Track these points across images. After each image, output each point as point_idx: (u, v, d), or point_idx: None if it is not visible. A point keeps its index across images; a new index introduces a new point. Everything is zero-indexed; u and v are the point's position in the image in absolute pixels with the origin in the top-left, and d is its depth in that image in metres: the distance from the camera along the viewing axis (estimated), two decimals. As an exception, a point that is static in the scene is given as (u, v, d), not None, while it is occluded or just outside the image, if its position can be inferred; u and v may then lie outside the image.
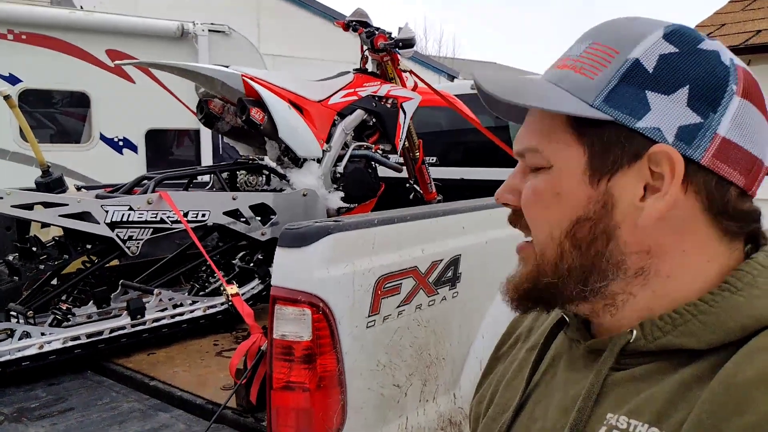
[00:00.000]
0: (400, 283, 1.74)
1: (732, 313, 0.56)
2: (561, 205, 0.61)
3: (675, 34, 0.59)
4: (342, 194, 2.98)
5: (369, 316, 1.66)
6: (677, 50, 0.58)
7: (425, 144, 3.59)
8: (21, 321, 2.30)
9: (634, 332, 0.60)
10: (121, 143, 5.14)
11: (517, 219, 0.67)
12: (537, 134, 0.63)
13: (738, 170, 0.58)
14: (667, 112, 0.57)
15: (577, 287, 0.61)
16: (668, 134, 0.57)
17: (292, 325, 1.55)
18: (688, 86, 0.57)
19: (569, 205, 0.61)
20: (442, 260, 1.89)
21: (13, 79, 4.63)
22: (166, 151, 5.74)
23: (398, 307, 1.75)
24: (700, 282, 0.59)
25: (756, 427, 0.48)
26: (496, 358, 0.84)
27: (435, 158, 4.11)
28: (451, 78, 13.09)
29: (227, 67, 2.81)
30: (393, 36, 3.24)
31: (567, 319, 0.70)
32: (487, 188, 3.19)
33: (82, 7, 5.23)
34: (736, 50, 3.11)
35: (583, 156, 0.60)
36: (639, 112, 0.57)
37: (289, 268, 1.58)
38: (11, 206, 2.26)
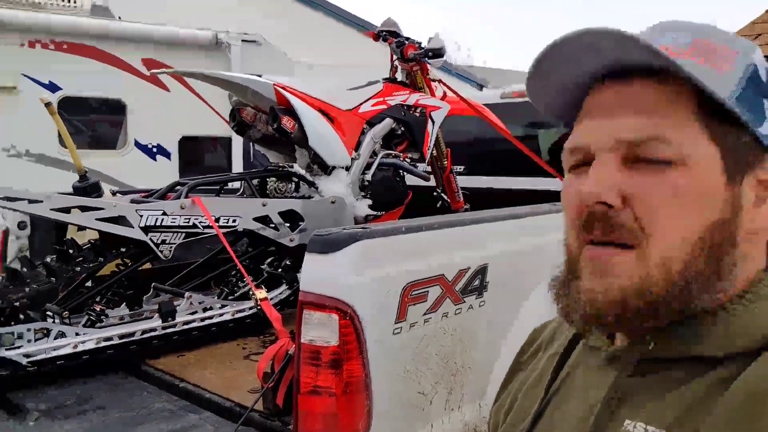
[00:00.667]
0: (427, 291, 1.75)
1: (755, 321, 0.56)
2: (702, 206, 0.56)
3: (763, 56, 0.61)
4: (370, 202, 3.00)
5: (396, 322, 1.67)
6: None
7: (453, 153, 3.60)
8: (57, 321, 2.36)
9: (652, 340, 0.59)
10: (155, 150, 5.26)
11: (611, 228, 0.57)
12: (661, 123, 0.56)
13: None
14: None
15: (697, 297, 0.56)
16: None
17: (320, 330, 1.57)
18: None
19: (710, 207, 0.56)
20: (469, 268, 1.89)
21: (53, 87, 4.78)
22: (199, 158, 5.85)
23: (425, 314, 1.75)
24: (732, 290, 0.59)
25: None
26: (516, 367, 0.84)
27: (463, 167, 4.11)
28: (480, 87, 13.07)
29: (260, 76, 2.87)
30: (423, 46, 3.26)
31: (569, 324, 0.68)
32: (515, 197, 3.20)
33: (120, 18, 5.38)
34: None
35: (718, 154, 0.56)
36: (759, 118, 0.57)
37: (317, 273, 1.60)
38: (50, 209, 2.33)
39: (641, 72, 0.58)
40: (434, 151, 3.42)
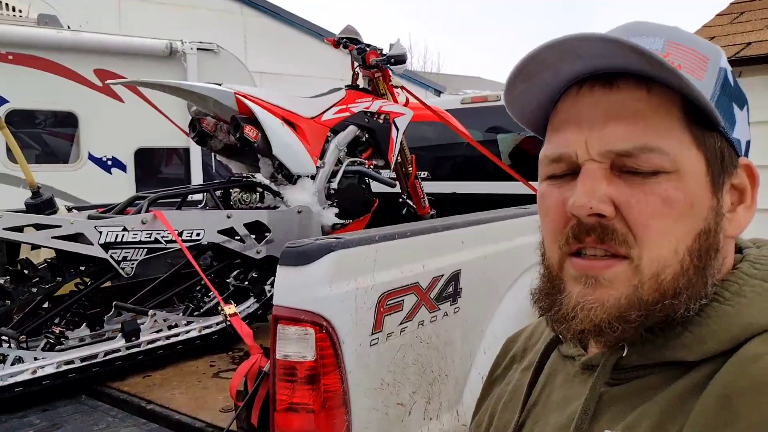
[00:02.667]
0: (402, 300, 1.73)
1: (721, 323, 0.56)
2: (692, 215, 0.56)
3: None
4: (336, 210, 2.97)
5: (372, 333, 1.64)
6: (731, 70, 0.61)
7: (418, 159, 3.60)
8: (13, 346, 2.25)
9: (627, 347, 0.60)
10: (109, 162, 5.10)
11: (605, 236, 0.56)
12: (653, 131, 0.55)
13: None
14: (743, 126, 0.60)
15: (686, 305, 0.56)
16: (743, 148, 0.60)
17: (296, 345, 1.53)
18: (746, 105, 0.61)
19: (699, 216, 0.56)
20: (442, 275, 1.88)
21: (0, 100, 4.59)
22: (156, 170, 5.70)
23: (401, 324, 1.73)
24: None
25: None
26: (491, 381, 0.83)
27: (427, 173, 4.11)
28: (438, 93, 13.18)
29: (220, 85, 2.81)
30: (384, 53, 3.26)
31: (561, 337, 0.68)
32: (479, 202, 3.22)
33: (69, 27, 5.21)
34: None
35: (702, 162, 0.56)
36: (732, 122, 0.59)
37: (291, 286, 1.57)
38: (3, 228, 2.22)
39: (624, 77, 0.57)
40: (399, 158, 3.41)
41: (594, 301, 0.57)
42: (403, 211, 3.64)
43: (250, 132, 2.72)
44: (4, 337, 2.29)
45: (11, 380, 2.18)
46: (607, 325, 0.56)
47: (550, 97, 0.62)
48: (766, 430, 0.49)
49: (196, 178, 5.44)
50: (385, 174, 3.45)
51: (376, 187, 3.36)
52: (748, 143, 0.61)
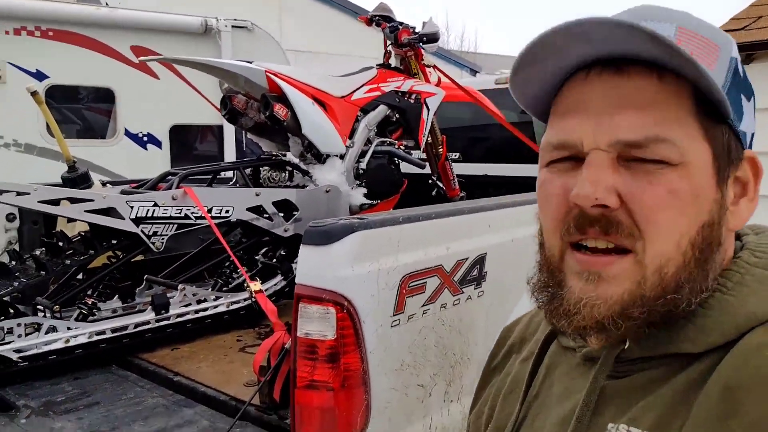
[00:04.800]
0: (425, 282, 1.72)
1: (725, 313, 0.55)
2: (696, 208, 0.54)
3: None
4: (365, 190, 2.96)
5: (393, 315, 1.64)
6: (740, 58, 0.60)
7: (449, 140, 3.55)
8: (48, 315, 2.32)
9: (628, 340, 0.59)
10: (145, 139, 5.18)
11: (609, 227, 0.55)
12: (664, 122, 0.53)
13: None
14: (749, 119, 0.58)
15: (688, 299, 0.55)
16: (748, 140, 0.59)
17: (317, 324, 1.54)
18: (753, 96, 0.59)
19: (703, 208, 0.55)
20: (467, 259, 1.86)
21: (40, 75, 4.69)
22: (190, 147, 5.77)
23: (423, 306, 1.72)
24: None
25: (752, 429, 0.48)
26: (490, 371, 0.82)
27: (458, 154, 4.07)
28: (474, 73, 12.99)
29: (251, 62, 2.81)
30: (417, 31, 3.21)
31: (561, 331, 0.67)
32: (511, 184, 3.17)
33: (107, 4, 5.28)
34: (772, 44, 3.03)
35: (709, 154, 0.55)
36: (739, 114, 0.57)
37: (313, 265, 1.57)
38: (38, 201, 2.28)
39: (635, 64, 0.54)
40: (429, 138, 3.37)
41: (597, 298, 0.55)
42: (433, 193, 3.61)
43: (279, 110, 2.72)
44: (39, 307, 2.36)
45: (45, 348, 2.25)
46: (610, 321, 0.55)
47: (554, 82, 0.59)
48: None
49: (230, 155, 5.49)
50: (415, 155, 3.42)
51: (405, 167, 3.34)
52: (752, 136, 0.60)
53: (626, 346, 0.59)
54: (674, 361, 0.56)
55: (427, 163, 3.51)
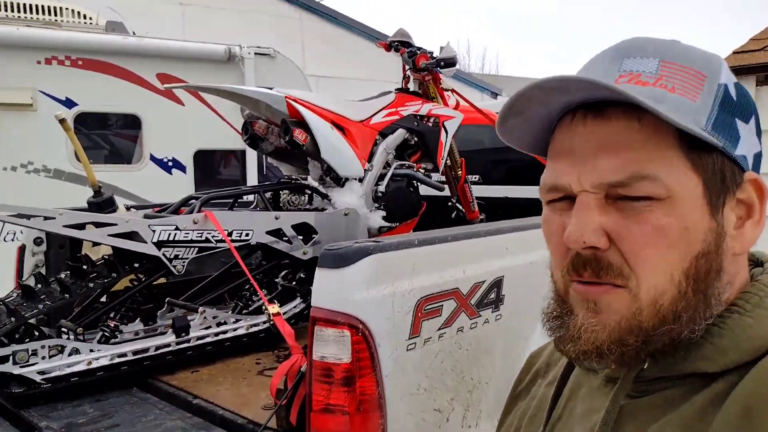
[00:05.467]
0: (441, 305, 1.72)
1: (742, 334, 0.56)
2: (687, 240, 0.56)
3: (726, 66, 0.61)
4: (383, 213, 2.97)
5: (409, 338, 1.63)
6: (736, 81, 0.60)
7: (468, 163, 3.56)
8: (71, 337, 2.36)
9: (648, 360, 0.60)
10: (170, 163, 5.29)
11: (600, 270, 0.57)
12: (645, 160, 0.55)
13: None
14: (748, 140, 0.59)
15: (688, 327, 0.56)
16: (750, 162, 0.59)
17: (332, 347, 1.54)
18: (754, 116, 0.60)
19: (694, 239, 0.56)
20: (484, 281, 1.86)
21: (69, 103, 4.84)
22: (214, 171, 5.87)
23: (439, 329, 1.72)
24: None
25: None
26: (515, 396, 0.84)
27: (478, 177, 4.07)
28: (495, 95, 13.02)
29: (271, 89, 2.86)
30: (435, 55, 3.24)
31: (566, 357, 0.68)
32: (531, 207, 3.15)
33: (134, 33, 5.44)
34: (793, 64, 3.01)
35: (700, 185, 0.56)
36: (734, 139, 0.58)
37: (329, 288, 1.58)
38: (64, 226, 2.33)
39: (616, 105, 0.56)
40: (448, 161, 3.39)
41: (596, 324, 0.58)
42: (452, 215, 3.61)
43: (299, 135, 2.76)
44: (63, 329, 2.40)
45: (68, 370, 2.28)
46: (607, 347, 0.57)
47: (545, 126, 0.62)
48: None
49: (252, 179, 5.57)
50: (435, 177, 3.43)
51: (424, 190, 3.35)
52: (757, 156, 0.60)
53: (645, 366, 0.60)
54: (693, 380, 0.57)
55: (447, 186, 3.52)
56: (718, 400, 0.54)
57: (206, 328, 2.62)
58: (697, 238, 0.56)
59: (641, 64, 0.58)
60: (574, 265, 0.59)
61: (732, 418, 0.51)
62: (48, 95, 4.75)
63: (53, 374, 2.26)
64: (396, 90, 3.30)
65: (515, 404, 0.83)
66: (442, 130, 3.23)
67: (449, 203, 3.60)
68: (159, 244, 2.41)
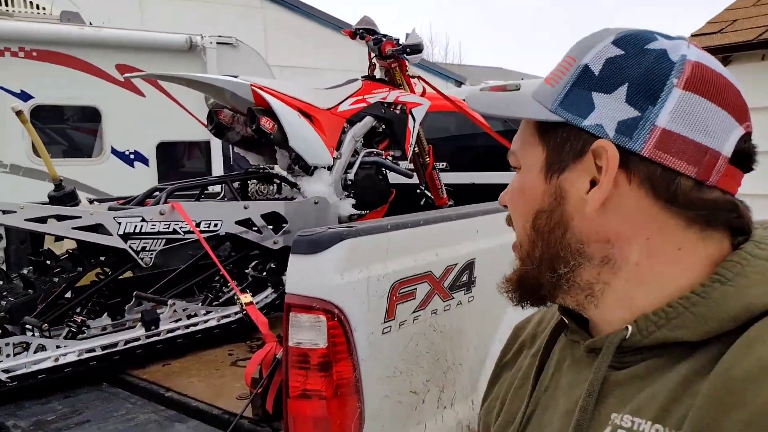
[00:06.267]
0: (415, 288, 1.73)
1: (723, 303, 0.57)
2: (526, 200, 0.68)
3: (624, 39, 0.63)
4: (353, 201, 2.97)
5: (385, 321, 1.64)
6: (622, 52, 0.62)
7: (435, 149, 3.58)
8: (36, 334, 2.30)
9: (630, 328, 0.61)
10: (132, 156, 5.17)
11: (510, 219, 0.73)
12: (517, 140, 0.71)
13: (684, 159, 0.58)
14: (608, 109, 0.61)
15: (548, 274, 0.65)
16: (609, 130, 0.60)
17: (308, 333, 1.54)
18: (626, 84, 0.61)
19: (531, 199, 0.67)
20: (456, 264, 1.88)
21: (24, 96, 4.68)
22: (177, 163, 5.77)
23: (414, 312, 1.73)
24: (690, 275, 0.60)
25: (755, 420, 0.49)
26: (501, 367, 0.85)
27: (445, 163, 4.09)
28: (459, 84, 13.10)
29: (236, 77, 2.82)
30: (400, 42, 3.24)
31: (566, 321, 0.72)
32: (498, 192, 3.18)
33: (91, 23, 5.29)
34: (749, 45, 3.10)
35: (542, 155, 0.66)
36: (585, 111, 0.62)
37: (303, 275, 1.57)
38: (25, 220, 2.27)
39: None
40: (416, 148, 3.40)
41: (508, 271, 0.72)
42: (421, 202, 3.63)
43: (266, 123, 2.73)
44: (27, 326, 2.34)
45: (35, 367, 2.23)
46: (508, 289, 0.70)
47: None
48: None
49: (217, 170, 5.48)
50: (403, 165, 3.44)
51: (393, 177, 3.36)
52: (629, 121, 0.60)
53: (627, 335, 0.61)
54: (675, 350, 0.58)
55: (415, 173, 3.53)
56: (702, 370, 0.55)
57: (176, 321, 2.59)
58: (534, 198, 0.66)
59: (559, 63, 0.68)
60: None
61: (716, 390, 0.52)
62: (2, 88, 4.58)
63: (19, 372, 2.20)
64: (362, 77, 3.29)
65: (501, 375, 0.84)
66: (410, 117, 3.23)
67: (418, 190, 3.62)
68: (125, 237, 2.36)
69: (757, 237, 0.61)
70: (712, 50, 2.73)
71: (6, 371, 2.18)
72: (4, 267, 2.83)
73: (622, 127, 0.60)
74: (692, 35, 3.16)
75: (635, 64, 0.61)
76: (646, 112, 0.59)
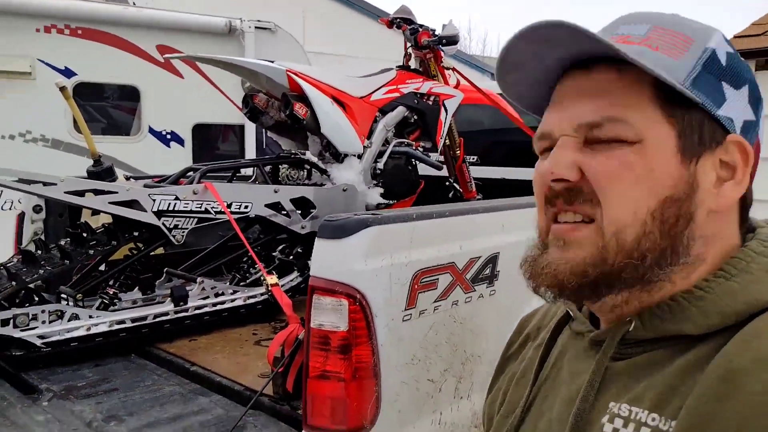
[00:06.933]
0: (437, 279, 1.75)
1: (726, 298, 0.58)
2: (653, 181, 0.59)
3: (726, 39, 0.63)
4: (381, 190, 2.99)
5: (405, 309, 1.67)
6: (733, 52, 0.62)
7: (466, 142, 3.58)
8: (70, 303, 2.39)
9: (633, 321, 0.62)
10: (168, 136, 5.28)
11: (572, 198, 0.61)
12: (619, 105, 0.60)
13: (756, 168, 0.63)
14: (737, 105, 0.61)
15: (653, 269, 0.59)
16: (737, 126, 0.61)
17: (329, 315, 1.58)
18: (747, 85, 0.62)
19: (661, 183, 0.59)
20: (480, 257, 1.89)
21: (68, 72, 4.81)
22: (212, 145, 5.86)
23: (435, 302, 1.75)
24: (707, 268, 0.61)
25: (749, 411, 0.50)
26: (506, 358, 0.86)
27: (476, 157, 4.08)
28: (494, 77, 12.97)
29: (272, 62, 2.86)
30: (437, 33, 3.24)
31: (572, 313, 0.72)
32: (528, 188, 3.16)
33: (134, 3, 5.40)
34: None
35: (674, 135, 0.59)
36: (718, 100, 0.60)
37: (327, 259, 1.61)
38: (64, 192, 2.35)
39: (602, 62, 0.61)
40: (447, 141, 3.40)
41: (561, 259, 0.61)
42: (450, 195, 3.63)
43: (299, 109, 2.77)
44: (62, 295, 2.43)
45: (68, 335, 2.32)
46: (567, 279, 0.60)
47: (543, 85, 0.67)
48: (766, 405, 0.49)
49: (250, 154, 5.56)
50: (433, 156, 3.44)
51: (423, 169, 3.37)
52: (748, 123, 0.62)
53: (631, 328, 0.61)
54: (677, 343, 0.59)
55: (445, 165, 3.54)
56: (701, 362, 0.55)
57: (204, 299, 2.65)
58: (665, 182, 0.59)
59: (633, 29, 0.63)
60: (548, 198, 0.63)
61: (713, 380, 0.53)
62: (47, 64, 4.71)
63: (53, 339, 2.30)
64: (397, 67, 3.30)
65: (506, 366, 0.84)
66: (442, 108, 3.24)
67: (447, 183, 3.62)
68: (159, 214, 2.43)
69: (762, 235, 0.63)
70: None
71: (41, 337, 2.28)
72: (42, 237, 2.93)
73: (746, 127, 0.62)
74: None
75: (745, 68, 0.63)
76: (758, 120, 0.62)
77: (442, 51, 3.27)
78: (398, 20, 3.30)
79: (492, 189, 3.77)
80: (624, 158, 0.59)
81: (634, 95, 0.60)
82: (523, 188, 3.35)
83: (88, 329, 2.36)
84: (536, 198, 0.66)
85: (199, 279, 2.65)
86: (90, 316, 2.38)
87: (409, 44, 3.29)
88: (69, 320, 2.34)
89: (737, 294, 0.57)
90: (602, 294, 0.61)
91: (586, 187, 0.60)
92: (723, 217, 0.62)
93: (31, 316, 2.28)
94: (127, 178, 3.12)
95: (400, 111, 3.12)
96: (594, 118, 0.60)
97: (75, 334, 2.33)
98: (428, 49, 3.23)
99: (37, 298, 2.37)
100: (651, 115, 0.59)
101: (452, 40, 3.18)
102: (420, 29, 3.22)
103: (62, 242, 2.59)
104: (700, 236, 0.60)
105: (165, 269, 2.75)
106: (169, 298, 2.57)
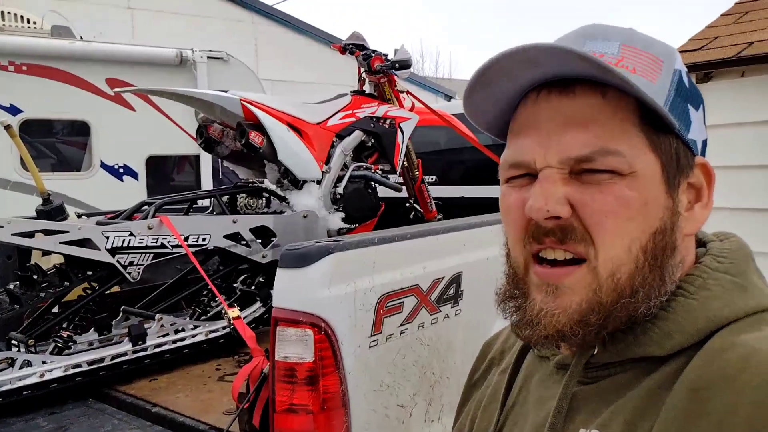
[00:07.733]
0: (402, 302, 1.74)
1: (687, 317, 0.57)
2: (645, 215, 0.57)
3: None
4: (342, 215, 2.98)
5: (371, 335, 1.65)
6: (687, 71, 0.63)
7: (424, 163, 3.61)
8: (22, 350, 2.29)
9: (596, 346, 0.61)
10: (121, 170, 5.16)
11: (564, 236, 0.57)
12: (608, 136, 0.56)
13: None
14: (698, 126, 0.61)
15: (644, 303, 0.57)
16: (699, 147, 0.61)
17: (295, 347, 1.54)
18: (702, 105, 0.62)
19: (653, 215, 0.57)
20: (443, 278, 1.89)
21: (14, 110, 4.67)
22: (167, 177, 5.76)
23: (401, 325, 1.74)
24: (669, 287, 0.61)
25: (719, 428, 0.50)
26: (471, 385, 0.84)
27: (434, 177, 4.12)
28: (449, 98, 13.19)
29: (226, 92, 2.84)
30: (389, 58, 3.27)
31: (526, 342, 0.68)
32: (487, 206, 3.22)
33: (81, 38, 5.30)
34: (729, 62, 3.16)
35: (657, 163, 0.58)
36: (687, 123, 0.60)
37: (290, 288, 1.58)
38: (12, 234, 2.26)
39: (580, 82, 0.58)
40: (405, 162, 3.42)
41: (556, 308, 0.58)
42: (411, 216, 3.64)
43: (255, 138, 2.75)
44: (13, 341, 2.32)
45: (19, 383, 2.21)
46: (570, 329, 0.57)
47: (509, 103, 0.63)
48: (733, 421, 0.49)
49: (207, 184, 5.49)
50: (392, 179, 3.46)
51: (382, 191, 3.37)
52: (704, 142, 0.63)
53: (595, 352, 0.60)
54: (642, 365, 0.58)
55: (404, 187, 3.55)
56: (666, 383, 0.55)
57: (164, 336, 2.57)
58: (656, 214, 0.57)
59: (603, 46, 0.59)
60: (534, 235, 0.59)
61: (681, 401, 0.52)
62: (-9, 102, 4.57)
63: (4, 388, 2.18)
64: (352, 92, 3.32)
65: (472, 393, 0.83)
66: (399, 131, 3.26)
67: (407, 204, 3.64)
68: (113, 251, 2.36)
69: (715, 250, 0.62)
70: (694, 66, 2.79)
71: (-9, 387, 2.16)
72: (-10, 282, 2.80)
73: (703, 147, 0.62)
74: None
75: (696, 87, 0.63)
76: (706, 139, 0.63)
77: (396, 75, 3.30)
78: (351, 46, 3.33)
79: (451, 208, 3.80)
80: (620, 193, 0.56)
81: (621, 123, 0.57)
82: (481, 206, 3.41)
83: (42, 376, 2.25)
84: (510, 229, 0.62)
85: (157, 316, 2.58)
86: (43, 362, 2.28)
87: (362, 69, 3.31)
88: (21, 368, 2.23)
89: (697, 311, 0.57)
90: (602, 335, 0.58)
91: (577, 223, 0.57)
92: (690, 239, 0.62)
93: (-21, 366, 2.17)
94: (79, 216, 3.03)
95: (357, 135, 3.12)
96: (585, 152, 0.56)
97: (28, 381, 2.23)
98: (382, 73, 3.26)
99: (-15, 347, 2.26)
100: (637, 144, 0.57)
101: (405, 65, 3.22)
102: (373, 54, 3.25)
103: (11, 286, 2.48)
104: (680, 261, 0.60)
105: (121, 308, 2.66)
106: (126, 338, 2.49)
